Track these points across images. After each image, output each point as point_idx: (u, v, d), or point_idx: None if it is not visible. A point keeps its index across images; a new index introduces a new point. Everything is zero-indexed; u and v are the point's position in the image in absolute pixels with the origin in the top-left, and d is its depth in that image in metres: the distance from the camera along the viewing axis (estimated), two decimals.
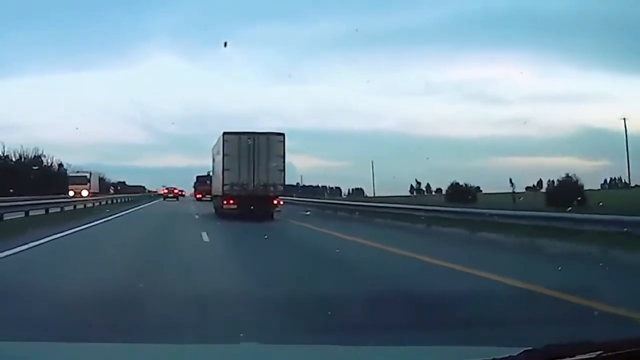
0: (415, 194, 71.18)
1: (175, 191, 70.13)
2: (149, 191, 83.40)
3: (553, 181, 71.09)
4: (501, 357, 2.06)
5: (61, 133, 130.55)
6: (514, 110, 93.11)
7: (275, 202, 26.27)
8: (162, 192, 69.81)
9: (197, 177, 64.75)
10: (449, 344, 4.04)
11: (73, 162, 75.88)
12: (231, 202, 25.85)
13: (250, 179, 25.69)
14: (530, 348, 2.11)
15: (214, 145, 31.15)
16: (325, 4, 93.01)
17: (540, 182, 70.40)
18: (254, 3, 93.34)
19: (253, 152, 25.76)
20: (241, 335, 4.82)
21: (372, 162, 69.32)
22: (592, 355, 1.95)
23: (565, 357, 1.98)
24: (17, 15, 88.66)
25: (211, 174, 35.96)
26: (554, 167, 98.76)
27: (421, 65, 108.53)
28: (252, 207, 25.09)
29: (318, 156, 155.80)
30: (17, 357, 2.65)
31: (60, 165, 65.62)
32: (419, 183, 73.84)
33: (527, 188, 63.15)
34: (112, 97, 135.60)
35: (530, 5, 79.12)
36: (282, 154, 26.23)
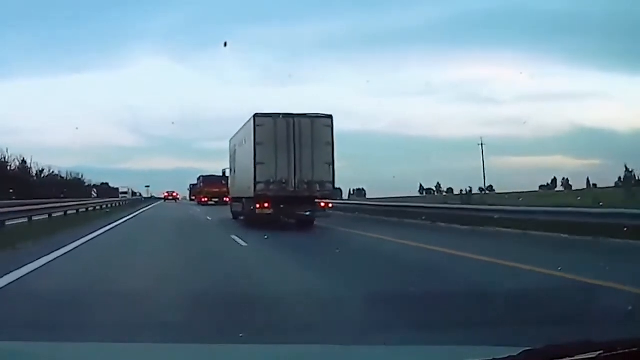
0: (425, 194, 69.95)
1: (174, 194, 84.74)
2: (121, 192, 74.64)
3: (567, 179, 70.04)
4: (501, 357, 2.06)
5: (51, 135, 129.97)
6: (511, 109, 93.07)
7: (322, 205, 20.94)
8: (163, 196, 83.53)
9: (203, 178, 58.13)
10: (449, 344, 4.03)
11: (63, 164, 74.45)
12: (266, 205, 20.06)
13: (290, 176, 19.97)
14: (530, 348, 2.11)
15: (235, 135, 25.58)
16: (322, 4, 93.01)
17: (554, 181, 69.69)
18: (249, 4, 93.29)
19: (294, 139, 19.97)
20: (241, 335, 4.82)
21: (483, 145, 59.23)
22: (592, 355, 1.96)
23: (565, 357, 1.98)
24: (5, 17, 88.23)
25: (228, 172, 29.84)
26: (549, 166, 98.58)
27: (420, 65, 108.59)
28: (292, 212, 20.47)
29: None
30: (17, 357, 2.64)
31: (24, 161, 56.44)
32: (439, 185, 72.54)
33: (540, 187, 62.51)
34: (104, 100, 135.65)
35: (527, 6, 79.07)
36: (331, 142, 20.29)
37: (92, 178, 78.82)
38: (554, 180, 70.80)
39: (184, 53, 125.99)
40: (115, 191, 77.51)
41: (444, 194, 70.29)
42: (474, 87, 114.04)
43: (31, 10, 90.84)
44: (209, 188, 54.40)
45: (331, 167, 20.23)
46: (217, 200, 50.54)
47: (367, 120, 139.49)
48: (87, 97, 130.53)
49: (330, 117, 20.51)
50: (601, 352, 1.98)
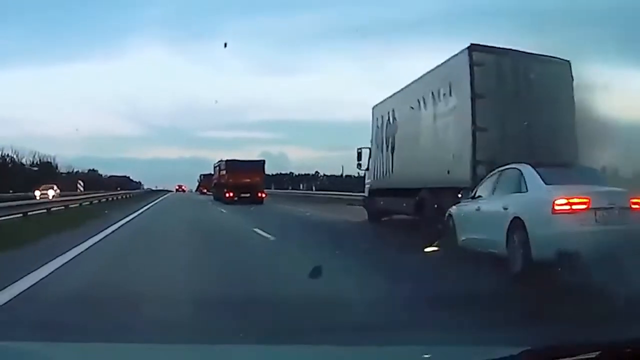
0: None
1: (183, 187, 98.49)
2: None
3: None
4: (501, 357, 2.05)
5: (52, 126, 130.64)
6: None
7: None
8: (175, 189, 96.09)
9: (227, 164, 42.11)
10: (449, 344, 4.03)
11: (66, 155, 71.69)
12: None
13: (522, 153, 11.08)
14: (530, 348, 2.11)
15: (400, 92, 17.32)
16: None
17: None
18: None
19: (527, 94, 12.41)
20: (241, 335, 4.82)
21: None
22: (592, 355, 1.95)
23: (565, 357, 1.98)
24: (3, 8, 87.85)
25: (369, 150, 20.45)
26: None
27: (413, 55, 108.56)
28: None
29: (309, 146, 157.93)
30: (17, 357, 2.64)
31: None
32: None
33: None
34: (102, 90, 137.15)
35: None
36: (573, 102, 12.46)
37: (76, 165, 70.08)
38: None
39: (182, 43, 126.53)
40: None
41: None
42: None
43: (28, 2, 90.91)
44: (236, 178, 38.91)
45: (576, 142, 12.13)
46: (247, 195, 37.46)
47: (367, 110, 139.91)
48: (87, 88, 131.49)
49: (568, 63, 12.72)
50: (601, 352, 1.97)
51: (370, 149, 20.72)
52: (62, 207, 24.41)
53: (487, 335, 4.73)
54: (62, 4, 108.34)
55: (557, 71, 12.76)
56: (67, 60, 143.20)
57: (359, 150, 21.69)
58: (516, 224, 8.41)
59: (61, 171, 67.13)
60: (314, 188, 71.84)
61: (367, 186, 20.85)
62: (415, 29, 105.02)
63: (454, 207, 11.23)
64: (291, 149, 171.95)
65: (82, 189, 42.80)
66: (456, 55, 13.20)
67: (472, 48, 12.61)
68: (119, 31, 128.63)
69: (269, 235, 14.07)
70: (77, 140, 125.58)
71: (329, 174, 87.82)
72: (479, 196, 10.32)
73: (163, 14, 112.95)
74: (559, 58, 12.94)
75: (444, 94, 13.66)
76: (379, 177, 19.04)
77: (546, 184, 8.72)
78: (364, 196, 21.75)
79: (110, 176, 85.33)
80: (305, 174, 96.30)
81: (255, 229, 15.42)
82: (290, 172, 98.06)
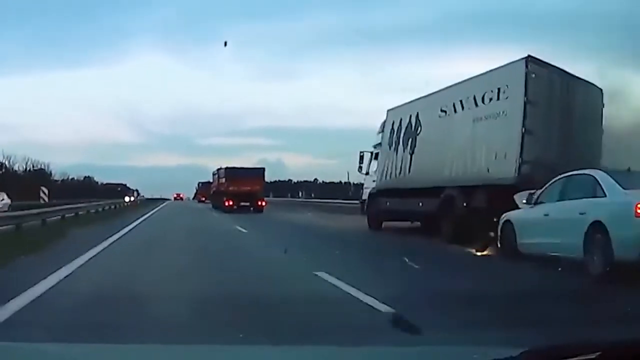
0: None
1: (181, 195, 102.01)
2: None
3: None
4: (501, 357, 2.06)
5: (50, 133, 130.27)
6: None
7: None
8: (173, 197, 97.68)
9: (227, 171, 41.43)
10: (449, 344, 4.04)
11: (64, 162, 71.53)
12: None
13: (561, 159, 12.80)
14: (530, 348, 2.11)
15: (425, 97, 17.80)
16: (315, 1, 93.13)
17: None
18: (244, 1, 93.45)
19: (567, 108, 13.89)
20: (241, 335, 4.82)
21: None
22: (592, 355, 1.95)
23: (565, 357, 1.98)
24: (3, 14, 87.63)
25: (371, 153, 20.86)
26: None
27: (419, 61, 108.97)
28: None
29: (308, 153, 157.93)
30: (17, 357, 2.64)
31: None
32: None
33: None
34: (101, 96, 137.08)
35: (519, 3, 79.24)
36: (601, 125, 14.26)
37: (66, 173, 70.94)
38: None
39: (182, 49, 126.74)
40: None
41: None
42: None
43: (28, 7, 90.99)
44: (236, 186, 38.24)
45: (601, 160, 13.31)
46: (247, 203, 37.39)
47: (365, 116, 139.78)
48: (86, 94, 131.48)
49: (601, 90, 14.50)
50: (601, 352, 1.98)
51: (372, 152, 20.71)
52: (12, 226, 15.92)
53: (487, 335, 4.74)
54: (60, 8, 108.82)
55: (593, 94, 14.30)
56: (65, 66, 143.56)
57: (362, 154, 21.75)
58: (596, 227, 8.83)
59: (55, 178, 66.21)
60: (312, 195, 71.87)
61: (366, 190, 20.57)
62: (415, 35, 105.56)
63: (510, 212, 11.59)
64: (289, 155, 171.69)
65: (46, 198, 34.53)
66: (510, 64, 14.07)
67: (529, 59, 13.52)
68: (118, 37, 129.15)
69: (378, 304, 6.36)
70: (76, 147, 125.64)
71: (327, 180, 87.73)
72: (541, 202, 10.75)
73: (163, 20, 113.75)
74: (595, 85, 14.54)
75: (490, 99, 14.48)
76: (390, 178, 18.72)
77: (624, 188, 9.08)
78: (362, 200, 21.08)
79: (106, 184, 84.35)
80: (304, 181, 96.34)
81: (319, 274, 8.52)
82: (289, 180, 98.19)
